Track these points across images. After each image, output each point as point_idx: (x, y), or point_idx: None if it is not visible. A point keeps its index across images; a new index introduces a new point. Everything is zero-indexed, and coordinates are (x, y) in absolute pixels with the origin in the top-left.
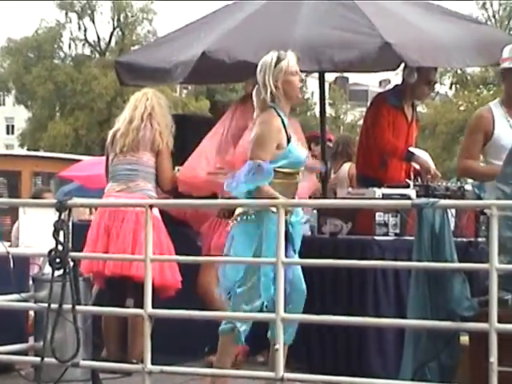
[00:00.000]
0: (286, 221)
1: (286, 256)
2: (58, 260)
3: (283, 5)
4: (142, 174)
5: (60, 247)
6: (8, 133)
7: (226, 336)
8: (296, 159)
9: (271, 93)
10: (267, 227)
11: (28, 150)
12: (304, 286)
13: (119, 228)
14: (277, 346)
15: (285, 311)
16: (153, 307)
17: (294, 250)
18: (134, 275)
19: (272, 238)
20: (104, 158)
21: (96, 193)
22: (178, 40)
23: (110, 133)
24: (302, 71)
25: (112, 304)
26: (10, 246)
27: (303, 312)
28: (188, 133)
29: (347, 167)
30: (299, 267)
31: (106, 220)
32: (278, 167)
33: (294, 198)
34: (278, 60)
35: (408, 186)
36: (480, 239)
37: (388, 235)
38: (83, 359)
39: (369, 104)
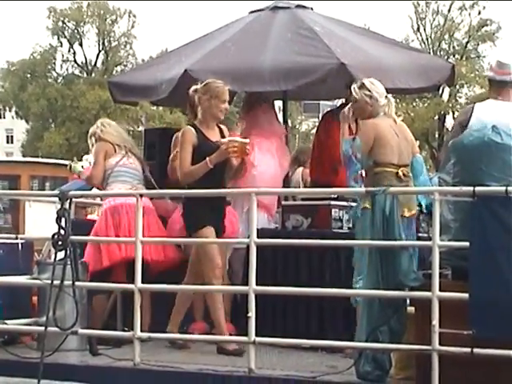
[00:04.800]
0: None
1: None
2: (60, 243)
3: (253, 34)
4: None
5: (62, 232)
6: (8, 142)
7: None
8: None
9: None
10: None
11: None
12: None
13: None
14: (249, 314)
15: None
16: None
17: None
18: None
19: None
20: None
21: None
22: (162, 63)
23: None
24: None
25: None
26: None
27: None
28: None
29: (300, 171)
30: None
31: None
32: None
33: None
34: None
35: None
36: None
37: (342, 229)
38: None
39: (320, 119)
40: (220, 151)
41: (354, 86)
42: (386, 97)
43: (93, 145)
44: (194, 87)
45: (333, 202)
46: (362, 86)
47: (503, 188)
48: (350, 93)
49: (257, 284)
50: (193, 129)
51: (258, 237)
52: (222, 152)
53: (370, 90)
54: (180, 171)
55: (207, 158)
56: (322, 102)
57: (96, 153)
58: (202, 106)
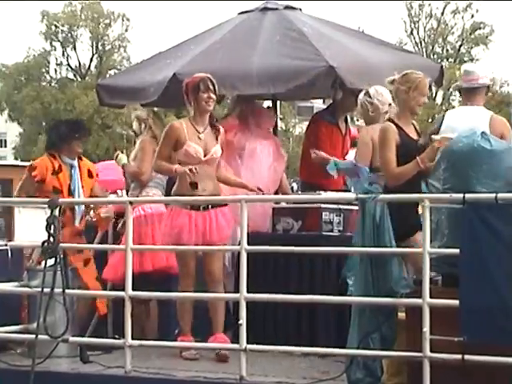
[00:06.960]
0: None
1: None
2: (49, 250)
3: (242, 36)
4: None
5: (51, 239)
6: (1, 146)
7: None
8: None
9: None
10: None
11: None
12: None
13: None
14: (240, 322)
15: None
16: None
17: None
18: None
19: None
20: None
21: None
22: (150, 65)
23: None
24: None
25: None
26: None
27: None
28: None
29: None
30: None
31: None
32: None
33: None
34: None
35: (349, 191)
36: None
37: (333, 231)
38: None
39: (309, 121)
40: (433, 150)
41: (361, 93)
42: (390, 104)
43: (139, 131)
44: (391, 78)
45: (323, 205)
46: (366, 93)
47: (493, 195)
48: (334, 92)
49: (248, 290)
50: (393, 125)
51: (248, 241)
52: (435, 151)
53: (371, 97)
54: (388, 173)
55: (418, 158)
56: (315, 105)
57: (145, 149)
58: (399, 99)
